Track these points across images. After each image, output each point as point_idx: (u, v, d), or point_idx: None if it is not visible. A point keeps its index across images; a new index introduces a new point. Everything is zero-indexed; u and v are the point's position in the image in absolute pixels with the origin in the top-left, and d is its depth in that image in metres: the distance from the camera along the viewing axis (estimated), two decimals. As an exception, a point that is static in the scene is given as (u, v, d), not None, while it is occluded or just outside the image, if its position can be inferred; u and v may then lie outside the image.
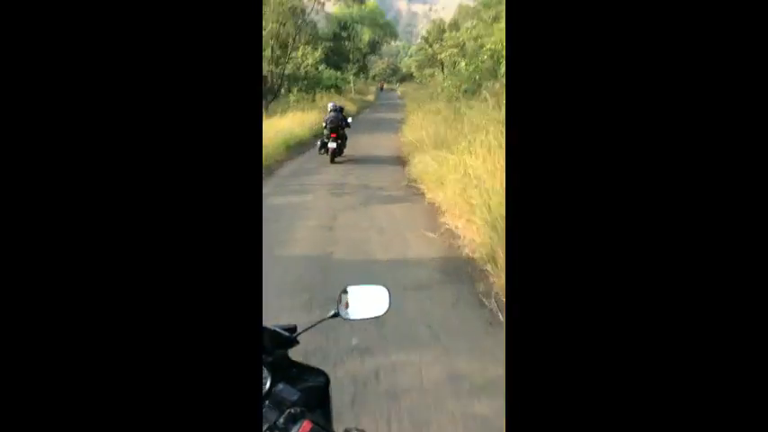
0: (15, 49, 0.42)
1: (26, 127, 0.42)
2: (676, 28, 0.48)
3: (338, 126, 9.33)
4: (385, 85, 41.66)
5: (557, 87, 0.51)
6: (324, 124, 9.53)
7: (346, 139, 9.67)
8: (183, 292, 0.45)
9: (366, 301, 1.01)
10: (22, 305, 0.41)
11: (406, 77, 40.59)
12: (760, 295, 0.45)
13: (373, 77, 42.23)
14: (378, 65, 46.54)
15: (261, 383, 0.77)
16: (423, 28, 52.75)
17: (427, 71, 27.02)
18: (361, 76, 34.83)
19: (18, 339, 0.41)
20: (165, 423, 0.43)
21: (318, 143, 9.71)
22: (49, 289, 0.42)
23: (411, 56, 46.93)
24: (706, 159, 0.47)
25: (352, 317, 1.01)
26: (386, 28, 34.25)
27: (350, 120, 9.91)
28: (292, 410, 0.74)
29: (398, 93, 31.83)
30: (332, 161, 9.31)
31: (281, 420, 0.73)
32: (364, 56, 34.99)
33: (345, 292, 1.01)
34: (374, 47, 35.46)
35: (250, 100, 0.48)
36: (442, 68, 20.14)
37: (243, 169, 0.47)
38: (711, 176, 0.47)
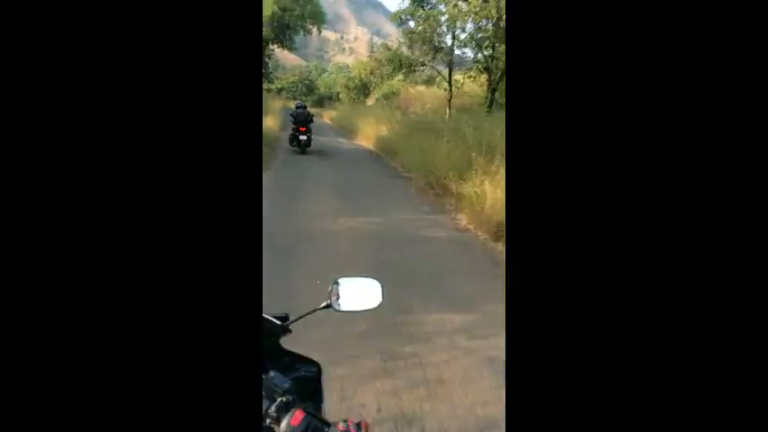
0: (14, 48, 0.42)
1: (22, 120, 0.42)
2: (677, 28, 0.47)
3: (305, 121, 10.89)
4: (312, 117, 27.66)
5: (556, 86, 0.50)
6: (291, 120, 11.03)
7: (311, 132, 11.24)
8: (182, 283, 0.45)
9: (358, 293, 1.02)
10: (15, 291, 0.41)
11: (325, 99, 35.12)
12: (763, 296, 0.44)
13: (279, 91, 31.27)
14: (287, 77, 37.31)
15: (260, 373, 0.77)
16: (334, 55, 49.43)
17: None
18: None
19: (12, 326, 0.40)
20: (165, 413, 0.43)
21: (289, 137, 11.16)
22: (47, 279, 0.41)
23: (331, 74, 41.77)
24: (707, 157, 0.46)
25: (343, 308, 1.00)
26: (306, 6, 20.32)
27: (313, 116, 11.64)
28: (284, 399, 0.75)
29: (328, 120, 23.63)
30: (303, 152, 10.81)
31: (273, 409, 0.74)
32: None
33: (337, 283, 1.01)
34: (283, 32, 20.94)
35: (250, 94, 0.47)
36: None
37: (242, 159, 0.46)
38: (713, 173, 0.46)
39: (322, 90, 38.77)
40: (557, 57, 0.51)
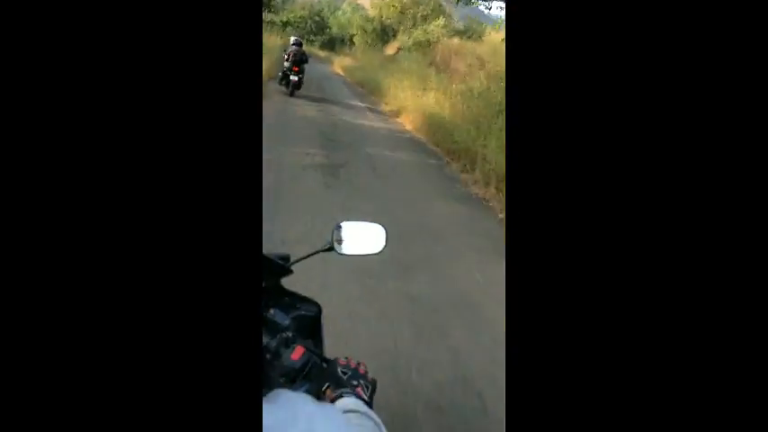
0: (12, 46, 0.42)
1: (17, 115, 0.42)
2: (679, 28, 0.48)
3: (300, 60, 9.66)
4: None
5: (556, 79, 0.51)
6: (285, 57, 9.79)
7: (305, 73, 10.03)
8: (182, 229, 0.45)
9: (361, 238, 1.00)
10: (13, 285, 0.41)
11: (336, 41, 31.39)
12: (763, 296, 0.44)
13: (283, 26, 26.09)
14: (294, 8, 31.23)
15: (260, 313, 0.78)
16: None
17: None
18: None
19: (9, 322, 0.41)
20: (164, 358, 0.43)
21: (279, 74, 9.96)
22: (46, 265, 0.42)
23: (345, 13, 35.37)
24: (708, 153, 0.47)
25: (345, 252, 0.99)
26: None
27: (309, 56, 10.28)
28: (284, 335, 0.76)
29: (340, 70, 19.88)
30: (291, 94, 9.65)
31: (274, 344, 0.75)
32: None
33: (340, 226, 1.00)
34: None
35: (250, 87, 0.48)
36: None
37: (242, 155, 0.47)
38: (713, 169, 0.46)
39: (334, 30, 33.70)
40: (557, 56, 0.51)
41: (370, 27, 24.72)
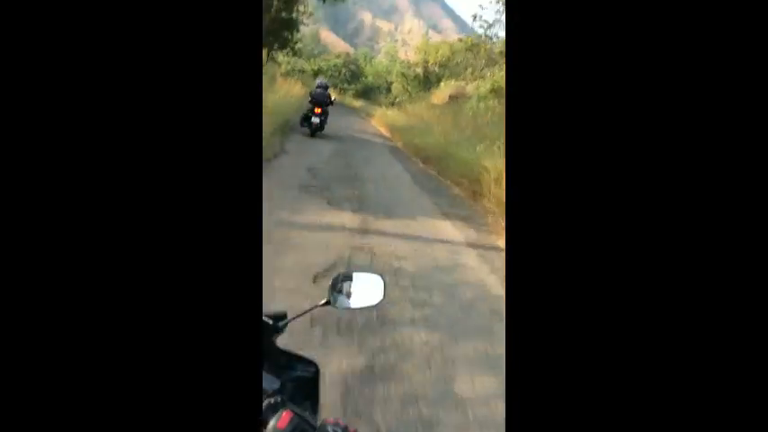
0: (11, 45, 0.42)
1: (17, 116, 0.42)
2: (679, 28, 0.48)
3: (324, 102, 9.46)
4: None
5: (556, 86, 0.51)
6: (309, 98, 9.62)
7: (328, 116, 9.80)
8: (181, 282, 0.45)
9: (359, 290, 0.97)
10: (13, 287, 0.41)
11: (373, 91, 28.83)
12: (763, 296, 0.45)
13: (315, 73, 23.52)
14: (329, 56, 30.18)
15: (260, 375, 0.74)
16: (384, 46, 37.22)
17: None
18: (281, 53, 15.98)
19: (9, 323, 0.41)
20: (162, 412, 0.43)
21: (300, 116, 9.78)
22: (46, 276, 0.42)
23: (381, 61, 32.37)
24: (708, 153, 0.47)
25: (343, 306, 0.96)
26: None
27: (333, 98, 10.06)
28: (272, 400, 0.72)
29: (378, 126, 14.82)
30: (312, 135, 9.41)
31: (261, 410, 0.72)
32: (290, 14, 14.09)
33: (337, 279, 0.97)
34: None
35: (250, 93, 0.48)
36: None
37: (242, 160, 0.47)
38: (713, 168, 0.47)
39: (370, 79, 30.76)
40: (557, 56, 0.52)
41: (411, 73, 22.16)
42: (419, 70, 21.57)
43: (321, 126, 9.49)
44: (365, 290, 0.97)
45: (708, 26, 0.47)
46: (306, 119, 9.54)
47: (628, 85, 0.49)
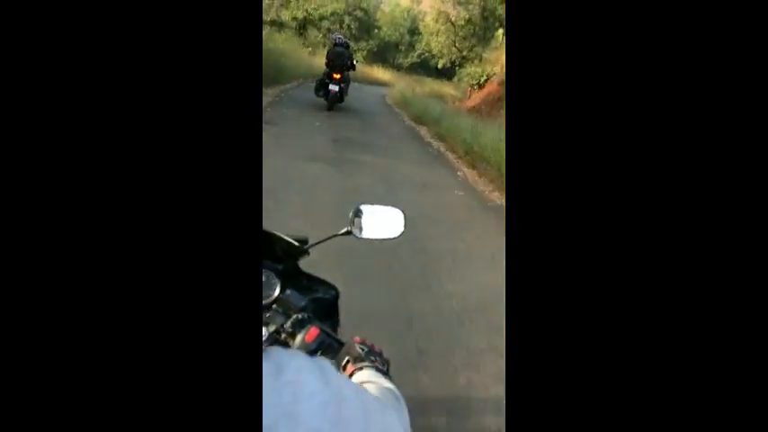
0: (10, 45, 0.43)
1: (20, 117, 0.43)
2: (677, 27, 0.48)
3: (343, 66, 7.54)
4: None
5: (558, 81, 0.51)
6: (326, 60, 7.69)
7: (350, 83, 7.90)
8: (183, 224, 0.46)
9: (380, 222, 0.98)
10: (11, 286, 0.42)
11: (386, 50, 20.79)
12: (763, 296, 0.46)
13: (300, 27, 17.42)
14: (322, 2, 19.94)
15: (260, 289, 0.77)
16: None
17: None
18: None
19: (8, 320, 0.42)
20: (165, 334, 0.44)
21: (315, 83, 7.87)
22: (46, 260, 0.43)
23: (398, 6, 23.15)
24: (708, 153, 0.48)
25: (364, 235, 0.96)
26: None
27: (356, 61, 8.08)
28: (299, 316, 0.76)
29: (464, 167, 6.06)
30: (330, 108, 7.55)
31: (288, 324, 0.74)
32: None
33: (359, 209, 0.97)
34: None
35: (249, 87, 0.49)
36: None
37: (242, 150, 0.48)
38: (713, 168, 0.47)
39: (384, 31, 22.19)
40: (557, 55, 0.52)
41: (461, 17, 13.09)
42: (472, 11, 12.67)
43: (341, 97, 7.63)
44: (385, 221, 0.99)
45: (708, 21, 0.48)
46: (321, 86, 7.64)
47: (628, 85, 0.50)
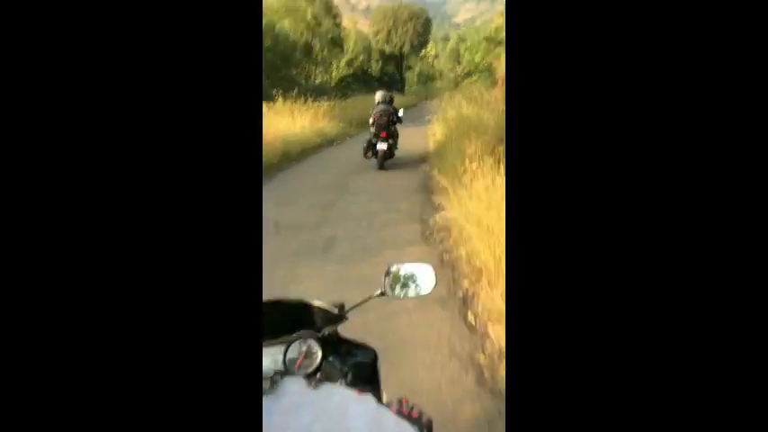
0: (10, 44, 0.43)
1: (16, 116, 0.43)
2: (677, 27, 0.48)
3: (389, 122, 7.38)
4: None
5: (557, 87, 0.51)
6: (371, 121, 7.58)
7: (397, 137, 7.72)
8: (182, 278, 0.46)
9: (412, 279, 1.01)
10: (12, 285, 0.42)
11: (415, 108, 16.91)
12: (763, 296, 0.45)
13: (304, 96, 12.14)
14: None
15: (261, 373, 0.71)
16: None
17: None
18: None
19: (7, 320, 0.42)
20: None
21: (364, 145, 7.74)
22: (48, 267, 0.43)
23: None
24: (708, 155, 0.47)
25: (399, 296, 1.00)
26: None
27: (401, 113, 7.92)
28: (344, 380, 0.79)
29: None
30: (380, 166, 7.36)
31: None
32: None
33: (390, 270, 1.00)
34: None
35: (250, 94, 0.50)
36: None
37: (243, 165, 0.48)
38: (713, 171, 0.47)
39: (415, 80, 22.96)
40: (557, 56, 0.52)
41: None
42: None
43: (390, 153, 7.44)
44: (417, 279, 1.01)
45: (708, 20, 0.47)
46: (369, 147, 7.50)
47: (628, 85, 0.49)
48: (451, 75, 29.30)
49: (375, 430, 0.44)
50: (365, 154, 7.58)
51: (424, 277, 1.01)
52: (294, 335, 0.79)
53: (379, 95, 7.98)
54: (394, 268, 1.01)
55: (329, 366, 0.81)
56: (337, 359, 0.85)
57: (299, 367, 0.76)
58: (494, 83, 12.28)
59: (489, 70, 16.57)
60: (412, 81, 31.21)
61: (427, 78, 31.40)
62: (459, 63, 27.98)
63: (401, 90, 20.15)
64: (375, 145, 7.34)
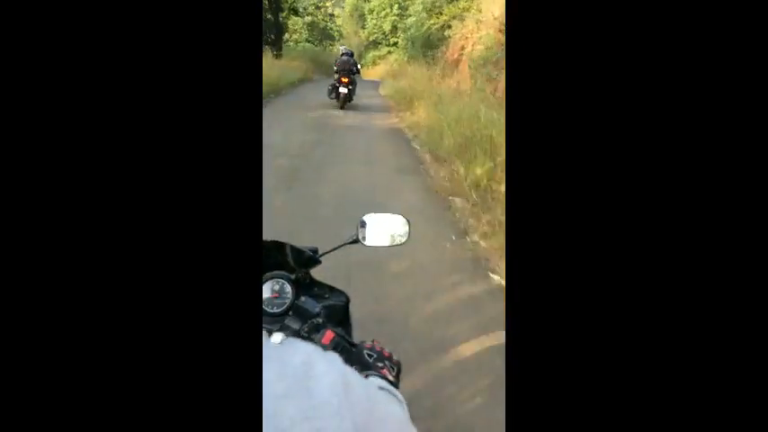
0: (10, 45, 0.42)
1: (20, 118, 0.43)
2: (677, 27, 0.48)
3: (350, 71, 8.99)
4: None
5: (556, 80, 0.51)
6: (334, 68, 9.11)
7: (356, 85, 9.33)
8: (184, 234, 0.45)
9: (386, 230, 1.04)
10: (12, 284, 0.41)
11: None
12: (763, 296, 0.45)
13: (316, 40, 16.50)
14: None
15: (261, 297, 0.83)
16: None
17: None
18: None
19: (7, 319, 0.41)
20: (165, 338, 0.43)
21: (328, 87, 9.26)
22: (47, 261, 0.42)
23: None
24: (708, 154, 0.47)
25: (371, 243, 1.02)
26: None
27: (360, 65, 9.59)
28: (315, 321, 0.82)
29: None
30: (342, 107, 8.96)
31: (306, 329, 0.81)
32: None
33: (364, 222, 1.03)
34: None
35: (250, 88, 0.48)
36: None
37: (243, 150, 0.47)
38: (713, 170, 0.47)
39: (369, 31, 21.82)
40: (557, 55, 0.51)
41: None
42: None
43: (350, 97, 9.06)
44: (391, 230, 1.04)
45: (707, 25, 0.47)
46: (333, 89, 9.06)
47: (628, 85, 0.49)
48: (355, 39, 26.90)
49: (340, 391, 0.40)
50: (329, 95, 9.14)
51: (397, 228, 1.04)
52: (267, 274, 0.85)
53: (341, 48, 9.59)
54: (369, 217, 1.03)
55: (302, 304, 0.85)
56: (310, 300, 0.87)
57: (270, 306, 0.82)
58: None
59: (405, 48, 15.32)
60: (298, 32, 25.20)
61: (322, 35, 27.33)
62: (363, 27, 25.86)
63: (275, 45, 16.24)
64: (338, 88, 8.91)
